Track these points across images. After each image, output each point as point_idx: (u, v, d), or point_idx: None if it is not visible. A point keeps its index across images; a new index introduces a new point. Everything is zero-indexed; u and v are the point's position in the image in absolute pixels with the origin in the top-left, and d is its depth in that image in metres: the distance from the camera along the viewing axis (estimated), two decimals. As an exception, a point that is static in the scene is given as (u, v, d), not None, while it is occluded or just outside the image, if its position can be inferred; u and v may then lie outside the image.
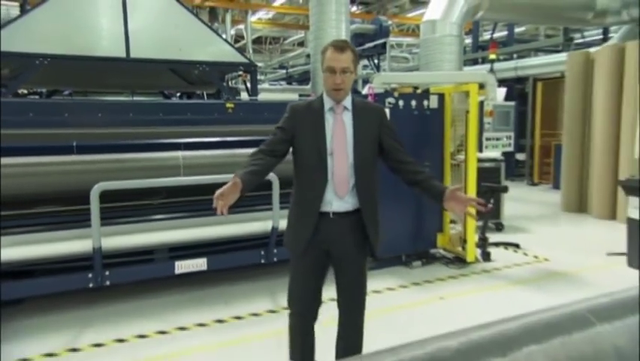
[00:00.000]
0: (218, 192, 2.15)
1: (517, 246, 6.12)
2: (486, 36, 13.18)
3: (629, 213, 4.62)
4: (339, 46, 2.44)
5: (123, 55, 5.83)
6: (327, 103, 2.53)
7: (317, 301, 2.75)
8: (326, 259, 2.61)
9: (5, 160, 3.86)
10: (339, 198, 2.49)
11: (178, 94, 8.29)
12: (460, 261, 5.50)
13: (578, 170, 7.94)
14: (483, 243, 5.64)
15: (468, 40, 12.41)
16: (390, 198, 5.17)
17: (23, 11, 5.77)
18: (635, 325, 1.66)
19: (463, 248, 5.45)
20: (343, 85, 2.43)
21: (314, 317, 2.78)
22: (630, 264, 4.63)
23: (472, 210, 2.61)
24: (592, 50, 7.99)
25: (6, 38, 5.05)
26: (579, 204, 7.95)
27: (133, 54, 5.84)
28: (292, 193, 2.70)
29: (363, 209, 2.52)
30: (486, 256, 5.62)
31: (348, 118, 2.53)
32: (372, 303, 4.45)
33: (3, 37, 5.07)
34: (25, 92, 6.69)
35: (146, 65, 6.03)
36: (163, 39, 6.11)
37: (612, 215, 7.15)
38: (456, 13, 7.19)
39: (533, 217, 7.73)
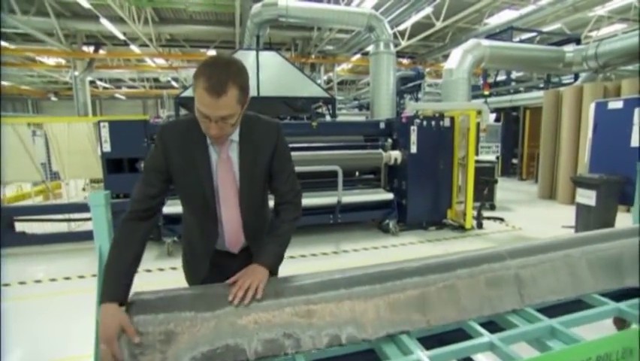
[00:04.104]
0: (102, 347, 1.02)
1: (501, 219, 5.80)
2: (495, 78, 12.34)
3: (578, 199, 4.29)
4: (215, 90, 1.06)
5: (255, 94, 6.25)
6: (209, 136, 1.21)
7: None
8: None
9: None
10: (230, 249, 1.41)
11: (288, 117, 8.61)
12: (461, 228, 5.31)
13: (549, 170, 7.35)
14: (478, 216, 5.41)
15: (481, 82, 11.75)
16: (416, 183, 5.15)
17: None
18: (535, 262, 1.68)
19: (464, 219, 5.27)
20: (223, 132, 1.16)
21: None
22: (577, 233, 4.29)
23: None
24: (561, 88, 7.37)
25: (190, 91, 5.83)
26: (550, 193, 7.35)
27: (262, 94, 6.25)
28: (182, 225, 1.50)
29: (253, 247, 1.40)
30: (480, 225, 5.39)
31: (234, 153, 1.28)
32: (400, 251, 4.54)
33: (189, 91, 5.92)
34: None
35: (269, 100, 6.38)
36: (279, 84, 6.46)
37: (572, 201, 6.58)
38: (466, 63, 6.89)
39: (517, 201, 7.25)
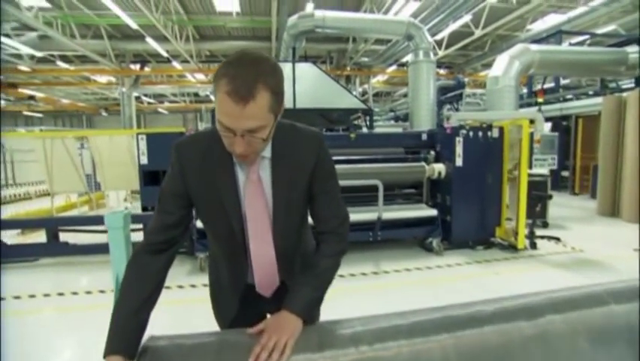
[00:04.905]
0: None
1: (558, 239, 5.19)
2: (538, 86, 11.61)
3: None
4: (240, 94, 0.80)
5: (292, 107, 6.09)
6: (234, 155, 0.95)
7: None
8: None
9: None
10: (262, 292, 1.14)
11: (324, 129, 8.40)
12: (512, 248, 4.78)
13: (611, 183, 6.56)
14: (531, 235, 4.86)
15: (525, 90, 11.05)
16: (461, 198, 4.73)
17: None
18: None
19: (515, 238, 4.75)
20: (251, 149, 0.89)
21: None
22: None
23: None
24: (624, 94, 6.61)
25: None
26: (612, 210, 6.56)
27: (298, 106, 6.09)
28: (209, 252, 1.32)
29: (290, 283, 1.12)
30: (533, 245, 4.84)
31: (266, 172, 1.01)
32: (445, 273, 4.11)
33: None
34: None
35: (305, 112, 6.19)
36: (316, 96, 6.29)
37: (640, 219, 5.80)
38: (513, 70, 6.40)
39: (573, 219, 6.53)
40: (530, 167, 5.00)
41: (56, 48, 11.13)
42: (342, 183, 3.97)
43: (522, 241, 4.72)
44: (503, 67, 6.45)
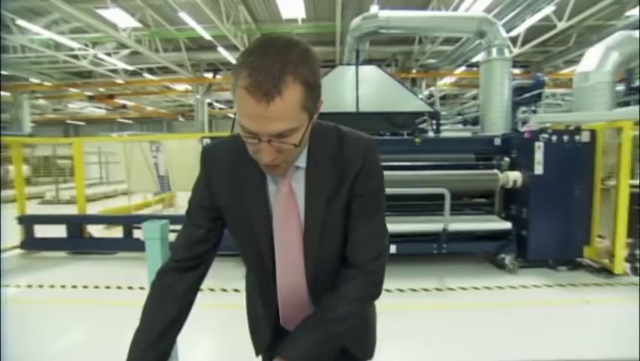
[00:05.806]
0: None
1: (672, 265, 4.29)
2: (637, 82, 10.00)
3: None
4: (263, 89, 0.61)
5: (354, 110, 5.90)
6: (261, 165, 0.75)
7: None
8: None
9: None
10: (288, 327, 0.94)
11: (387, 133, 8.09)
12: (606, 271, 4.05)
13: None
14: (632, 258, 4.07)
15: (621, 87, 9.57)
16: (541, 211, 4.14)
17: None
18: None
19: (611, 261, 4.01)
20: (281, 158, 0.71)
21: None
22: None
23: None
24: None
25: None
26: None
27: (361, 109, 5.90)
28: (246, 279, 1.05)
29: None
30: (635, 271, 4.03)
31: (300, 184, 0.81)
32: (519, 295, 3.59)
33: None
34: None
35: (368, 115, 5.97)
36: (379, 99, 6.04)
37: None
38: (609, 64, 5.49)
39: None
40: (633, 176, 4.21)
41: (144, 62, 12.42)
42: (406, 190, 3.64)
43: (620, 265, 3.97)
44: (596, 60, 5.54)
